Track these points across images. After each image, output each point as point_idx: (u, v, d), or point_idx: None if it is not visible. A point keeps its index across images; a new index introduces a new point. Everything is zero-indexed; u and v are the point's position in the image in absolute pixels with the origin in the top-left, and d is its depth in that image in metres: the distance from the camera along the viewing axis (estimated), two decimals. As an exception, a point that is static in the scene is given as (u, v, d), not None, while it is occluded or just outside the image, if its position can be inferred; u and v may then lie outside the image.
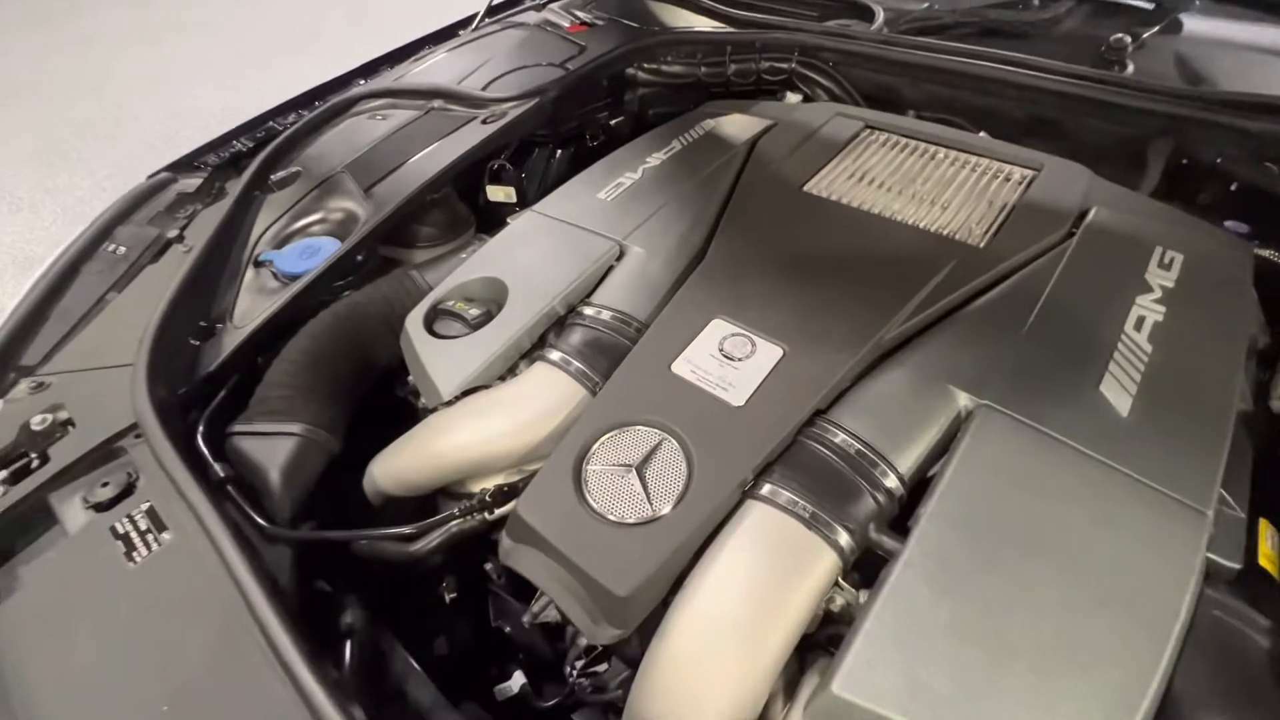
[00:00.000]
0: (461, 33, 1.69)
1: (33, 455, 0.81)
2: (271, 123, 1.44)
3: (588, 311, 0.87)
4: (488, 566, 0.92)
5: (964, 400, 0.70)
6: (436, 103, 1.35)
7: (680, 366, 0.77)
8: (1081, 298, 0.79)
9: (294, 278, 1.02)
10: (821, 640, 0.66)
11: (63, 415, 0.85)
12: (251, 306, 1.00)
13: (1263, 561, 0.63)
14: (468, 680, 0.95)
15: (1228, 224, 0.96)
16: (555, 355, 0.82)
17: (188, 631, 0.64)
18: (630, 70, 1.41)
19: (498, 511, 0.74)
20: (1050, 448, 0.65)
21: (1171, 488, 0.61)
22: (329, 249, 1.05)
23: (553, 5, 1.68)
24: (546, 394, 0.79)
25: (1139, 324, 0.75)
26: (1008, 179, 1.01)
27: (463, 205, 1.23)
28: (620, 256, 0.95)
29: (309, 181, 1.20)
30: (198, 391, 0.90)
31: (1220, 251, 0.85)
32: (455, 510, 0.74)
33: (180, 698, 0.60)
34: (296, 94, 1.52)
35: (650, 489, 0.67)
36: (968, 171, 1.03)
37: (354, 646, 0.69)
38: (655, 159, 1.12)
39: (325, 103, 1.41)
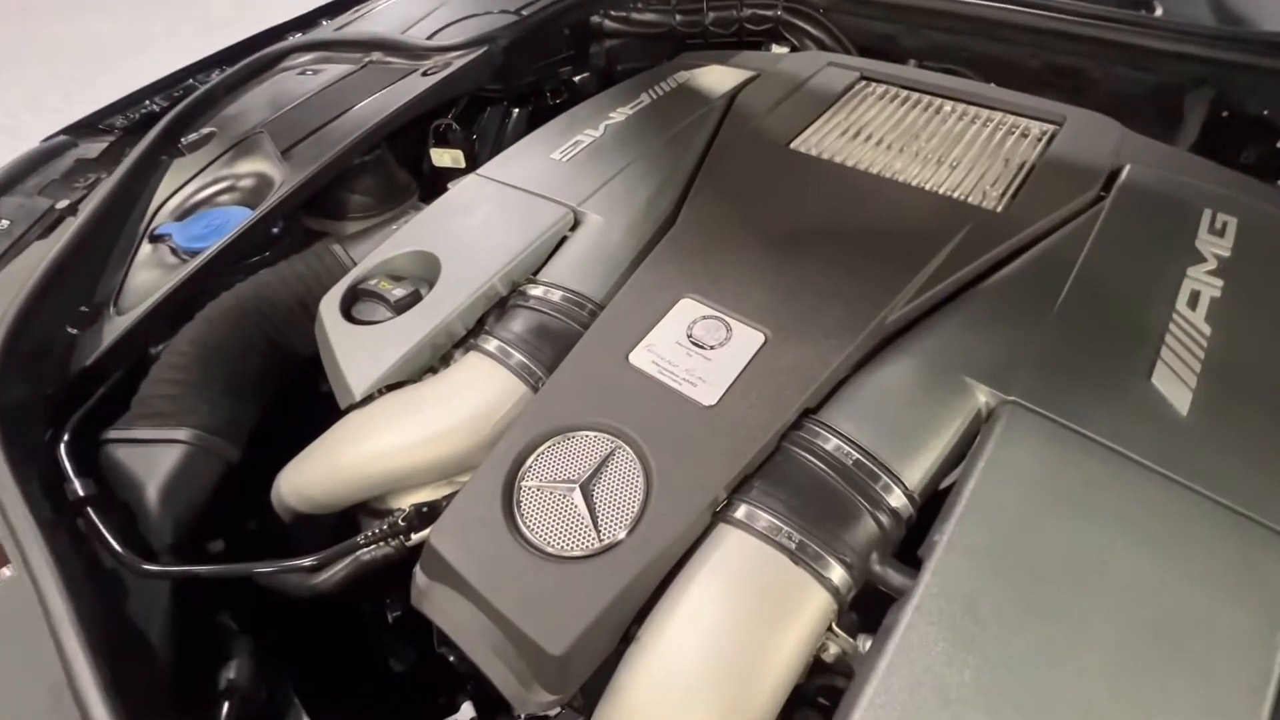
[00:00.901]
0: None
1: None
2: (191, 80, 1.27)
3: (534, 291, 0.73)
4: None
5: (984, 396, 0.57)
6: (374, 55, 1.19)
7: (640, 357, 0.63)
8: (1121, 270, 0.66)
9: (196, 254, 0.87)
10: (811, 693, 0.54)
11: None
12: (143, 288, 0.85)
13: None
14: (413, 710, 0.83)
15: (1282, 183, 0.83)
16: (492, 344, 0.68)
17: (13, 703, 0.50)
18: (595, 18, 1.25)
19: (415, 537, 0.61)
20: (1096, 456, 0.52)
21: (1250, 507, 0.49)
22: (238, 220, 0.90)
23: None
24: (479, 391, 0.65)
25: (1193, 300, 0.62)
26: (1025, 134, 0.88)
27: (402, 170, 1.07)
28: (575, 226, 0.81)
29: (223, 144, 1.04)
30: (73, 390, 0.76)
31: (1276, 214, 0.72)
32: (359, 539, 0.60)
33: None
34: (221, 48, 1.34)
35: (598, 512, 0.53)
36: (979, 126, 0.89)
37: (233, 709, 0.56)
38: (620, 114, 0.97)
39: (251, 57, 1.25)
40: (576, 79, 1.26)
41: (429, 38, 1.18)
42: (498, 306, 0.75)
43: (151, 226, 0.93)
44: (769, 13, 1.22)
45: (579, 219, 0.81)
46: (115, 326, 0.80)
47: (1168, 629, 0.44)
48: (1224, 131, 0.92)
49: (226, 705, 0.56)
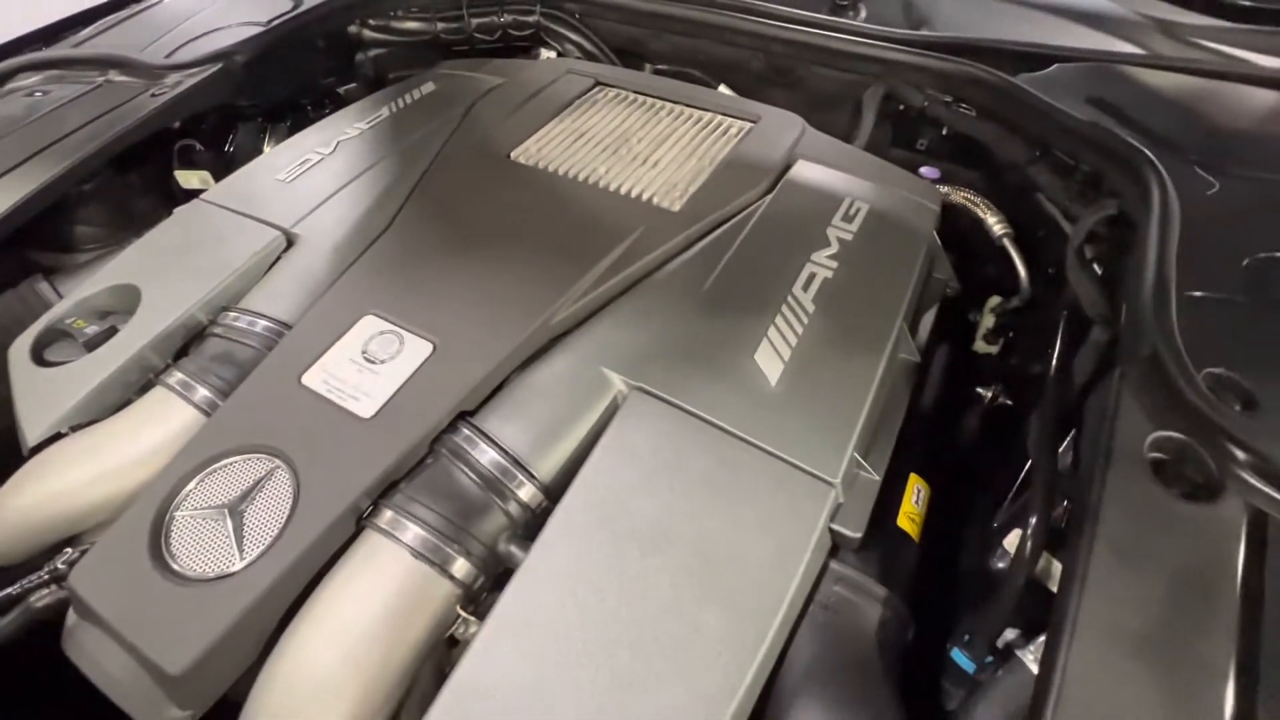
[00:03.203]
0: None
1: None
2: (-99, 104, 1.16)
3: (229, 320, 0.74)
4: None
5: (619, 384, 0.64)
6: (111, 73, 1.13)
7: (312, 377, 0.65)
8: (760, 259, 0.75)
9: (-122, 303, 0.81)
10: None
11: None
12: None
13: (902, 521, 0.62)
14: None
15: (922, 170, 0.95)
16: (176, 377, 0.69)
17: None
18: (354, 28, 1.24)
19: (81, 578, 0.61)
20: (693, 429, 0.60)
21: (803, 460, 0.58)
22: (-70, 263, 0.84)
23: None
24: (158, 426, 0.66)
25: (808, 283, 0.72)
26: (725, 132, 0.96)
27: (143, 196, 1.03)
28: (289, 246, 0.82)
29: (-74, 178, 0.96)
30: None
31: (906, 199, 0.84)
32: (15, 588, 0.60)
33: None
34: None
35: (245, 532, 0.56)
36: (687, 126, 0.97)
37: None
38: (355, 129, 0.98)
39: None
40: (342, 90, 1.25)
41: (169, 55, 1.13)
42: (199, 337, 0.75)
43: None
44: (529, 18, 1.26)
45: (292, 241, 0.82)
46: None
47: (716, 572, 0.52)
48: (903, 122, 1.05)
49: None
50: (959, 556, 0.69)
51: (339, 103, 1.24)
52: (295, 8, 1.21)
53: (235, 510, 0.57)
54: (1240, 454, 0.51)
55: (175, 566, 0.55)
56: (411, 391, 0.63)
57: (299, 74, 1.18)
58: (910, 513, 0.63)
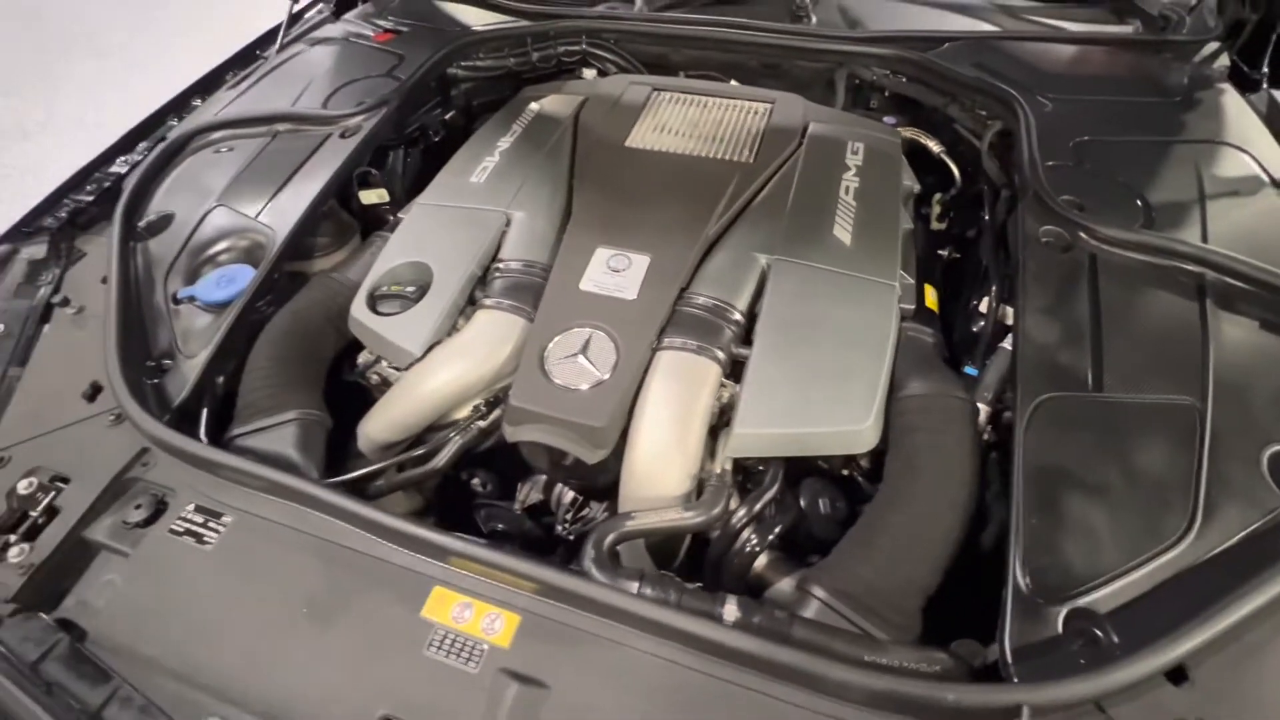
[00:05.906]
0: (262, 54, 1.75)
1: (32, 514, 0.91)
2: (98, 174, 1.45)
3: (502, 266, 1.15)
4: (474, 481, 1.19)
5: (764, 260, 1.12)
6: (281, 126, 1.46)
7: (586, 285, 1.09)
8: (815, 182, 1.25)
9: (220, 304, 1.15)
10: (726, 423, 1.05)
11: (45, 475, 0.94)
12: (195, 336, 1.12)
13: (928, 304, 1.15)
14: None
15: (885, 119, 1.49)
16: (491, 301, 1.10)
17: (290, 562, 0.85)
18: (451, 70, 1.62)
19: (490, 417, 1.03)
20: (813, 272, 1.09)
21: (878, 276, 1.08)
22: (245, 274, 1.18)
23: (348, 16, 1.80)
24: (495, 330, 1.07)
25: (847, 190, 1.23)
26: (755, 112, 1.45)
27: (345, 213, 1.40)
28: (509, 222, 1.23)
29: (187, 221, 1.28)
30: (175, 422, 1.02)
31: (882, 138, 1.37)
32: (452, 431, 1.01)
33: (311, 603, 0.82)
34: (112, 142, 1.51)
35: (595, 364, 1.00)
36: (729, 112, 1.45)
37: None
38: (505, 142, 1.39)
39: (156, 144, 1.45)
40: (446, 118, 1.64)
41: (323, 106, 1.48)
42: (480, 283, 1.16)
43: (169, 293, 1.17)
44: (576, 48, 1.69)
45: (510, 217, 1.23)
46: (193, 366, 1.07)
47: (851, 332, 1.01)
48: (860, 92, 1.58)
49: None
50: (954, 332, 1.23)
51: (447, 128, 1.63)
52: (401, 60, 1.58)
53: (585, 354, 1.00)
54: (1081, 232, 1.06)
55: (563, 385, 0.98)
56: (651, 282, 1.08)
57: (423, 109, 1.56)
58: (930, 302, 1.15)
